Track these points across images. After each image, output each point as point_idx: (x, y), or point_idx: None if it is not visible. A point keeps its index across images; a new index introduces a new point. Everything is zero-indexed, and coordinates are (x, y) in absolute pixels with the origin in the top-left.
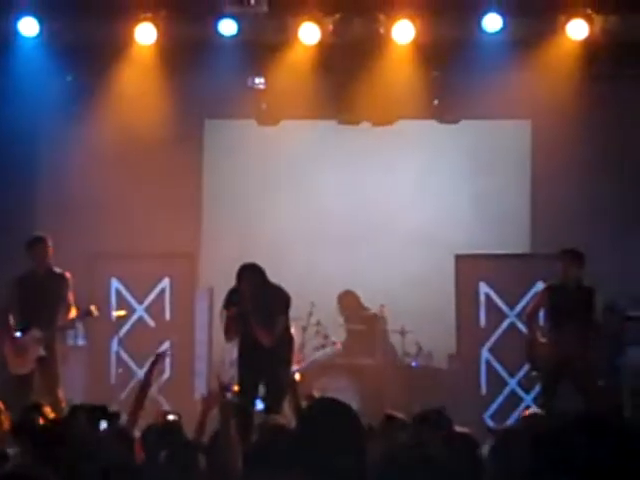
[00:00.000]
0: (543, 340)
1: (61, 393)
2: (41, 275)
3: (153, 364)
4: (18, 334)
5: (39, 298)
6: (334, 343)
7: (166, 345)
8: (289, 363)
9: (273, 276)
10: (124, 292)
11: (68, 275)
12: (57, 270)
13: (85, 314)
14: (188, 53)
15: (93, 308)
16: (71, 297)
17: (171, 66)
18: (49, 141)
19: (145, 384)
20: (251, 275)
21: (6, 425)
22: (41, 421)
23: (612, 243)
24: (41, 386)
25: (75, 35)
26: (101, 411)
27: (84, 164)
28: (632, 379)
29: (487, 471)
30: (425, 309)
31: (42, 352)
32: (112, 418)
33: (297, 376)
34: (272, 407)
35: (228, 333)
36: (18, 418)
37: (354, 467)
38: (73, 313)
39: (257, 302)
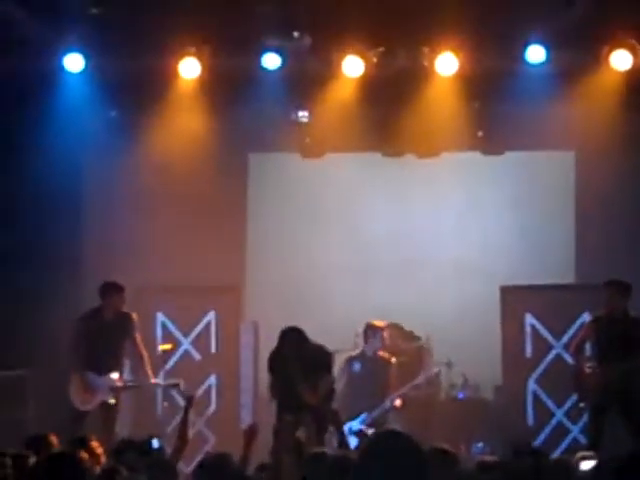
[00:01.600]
0: (590, 371)
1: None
2: (109, 317)
3: (186, 408)
4: (91, 374)
5: (107, 340)
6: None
7: (211, 379)
8: (330, 417)
9: (319, 305)
10: (170, 326)
11: (135, 316)
12: (124, 310)
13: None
14: (232, 87)
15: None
16: (139, 337)
17: (215, 100)
18: (94, 175)
19: (183, 427)
20: (293, 338)
21: None
22: (85, 455)
23: None
24: (101, 424)
25: (119, 70)
26: (147, 446)
27: (129, 198)
28: None
29: None
30: (471, 341)
31: (111, 400)
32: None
33: (398, 402)
34: None
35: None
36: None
37: None
38: (143, 351)
39: (301, 363)
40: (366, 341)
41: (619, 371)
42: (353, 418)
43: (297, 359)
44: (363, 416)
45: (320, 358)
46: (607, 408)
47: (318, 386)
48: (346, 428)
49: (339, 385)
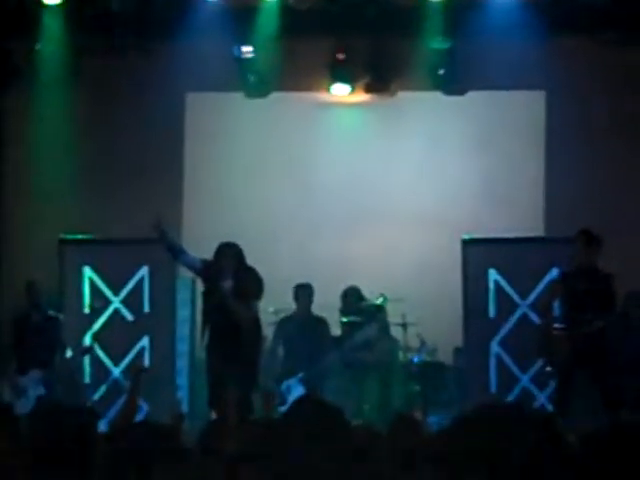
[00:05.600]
0: (558, 333)
1: None
2: (37, 319)
3: (134, 380)
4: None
5: (36, 341)
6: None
7: (145, 340)
8: (259, 348)
9: (263, 262)
10: (98, 282)
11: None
12: (52, 313)
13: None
14: (167, 20)
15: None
16: None
17: (148, 34)
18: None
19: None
20: (233, 254)
21: None
22: None
23: (634, 224)
24: None
25: None
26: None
27: (52, 141)
28: None
29: None
30: (429, 299)
31: (41, 391)
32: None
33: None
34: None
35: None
36: None
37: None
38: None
39: (236, 282)
40: (296, 301)
41: (588, 332)
42: (289, 377)
43: (234, 276)
44: (300, 375)
45: (254, 281)
46: (575, 373)
47: (250, 309)
48: (284, 386)
49: (277, 347)
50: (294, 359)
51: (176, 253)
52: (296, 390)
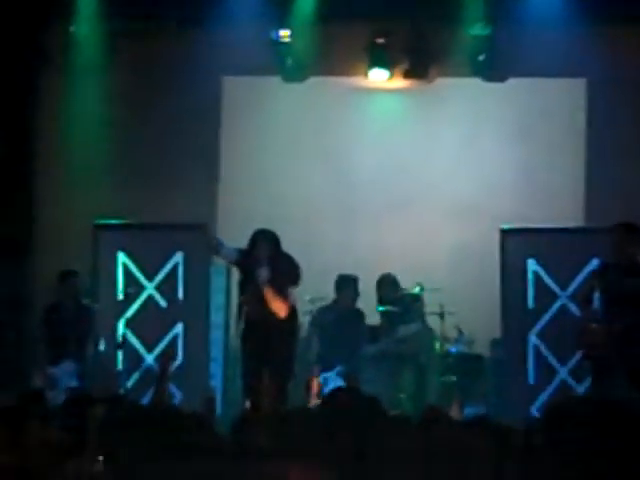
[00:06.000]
0: (596, 326)
1: None
2: (70, 309)
3: (162, 370)
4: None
5: (69, 332)
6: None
7: (179, 327)
8: (296, 338)
9: (300, 250)
10: (132, 267)
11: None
12: (85, 302)
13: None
14: (204, 2)
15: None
16: None
17: (185, 17)
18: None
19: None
20: (268, 241)
21: None
22: None
23: None
24: None
25: None
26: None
27: (86, 126)
28: None
29: None
30: (467, 289)
31: (74, 384)
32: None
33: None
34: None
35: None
36: None
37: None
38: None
39: (272, 269)
40: (339, 292)
41: (625, 327)
42: (328, 370)
43: (269, 264)
44: (338, 368)
45: (291, 269)
46: (613, 367)
47: (287, 297)
48: (321, 378)
49: (312, 336)
50: (331, 351)
51: (218, 251)
52: (333, 383)
